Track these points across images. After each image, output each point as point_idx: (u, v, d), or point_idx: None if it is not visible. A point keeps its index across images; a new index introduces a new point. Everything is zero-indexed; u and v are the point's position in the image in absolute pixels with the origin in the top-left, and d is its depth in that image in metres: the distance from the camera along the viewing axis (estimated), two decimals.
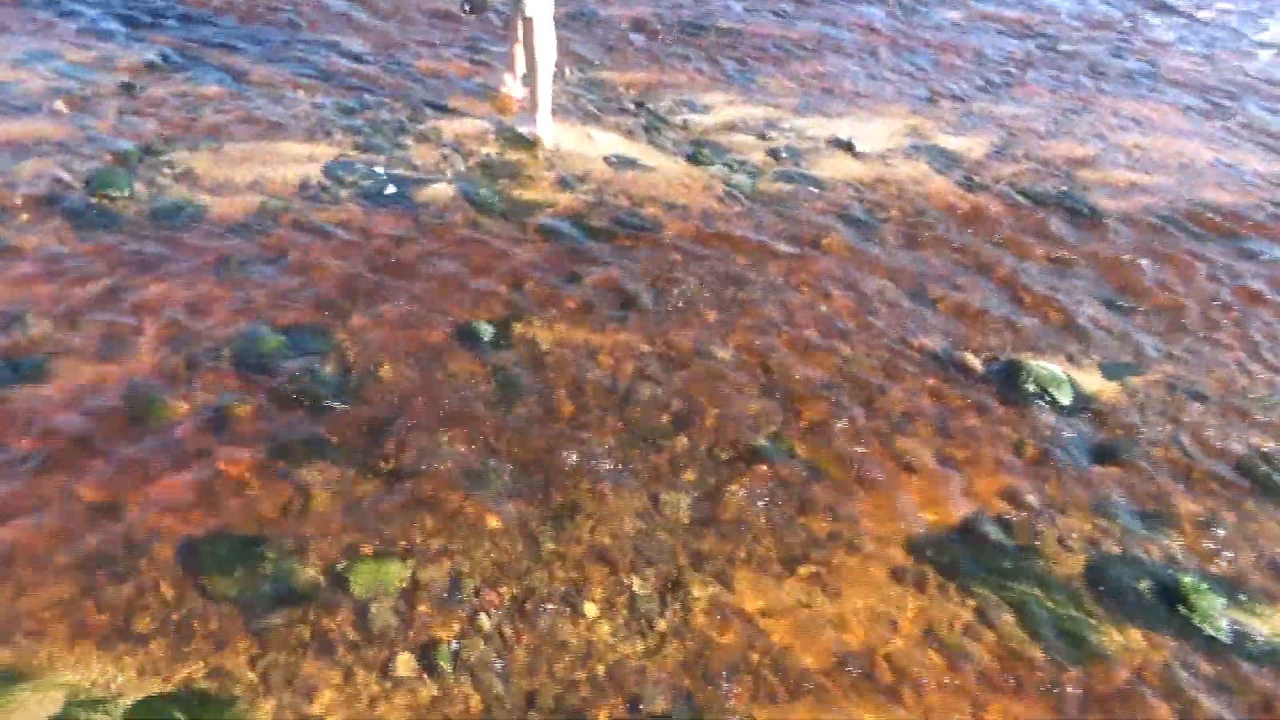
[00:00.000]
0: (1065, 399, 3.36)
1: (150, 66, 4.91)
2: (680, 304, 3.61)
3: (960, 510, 2.83)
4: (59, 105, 4.32)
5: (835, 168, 5.04)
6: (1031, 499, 2.90)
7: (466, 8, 4.59)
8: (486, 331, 3.27)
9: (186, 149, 4.15)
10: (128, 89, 4.63)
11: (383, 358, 3.10)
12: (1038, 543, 2.75)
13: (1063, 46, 7.87)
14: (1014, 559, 2.68)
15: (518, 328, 3.34)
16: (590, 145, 4.84)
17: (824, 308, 3.73)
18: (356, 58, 5.47)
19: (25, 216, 3.52)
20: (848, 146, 5.30)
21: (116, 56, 4.97)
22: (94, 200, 3.67)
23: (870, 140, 5.44)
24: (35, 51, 4.86)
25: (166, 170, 3.95)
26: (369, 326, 3.22)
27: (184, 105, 4.56)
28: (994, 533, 2.76)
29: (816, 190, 4.75)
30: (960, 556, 2.66)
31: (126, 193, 3.74)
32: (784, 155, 5.07)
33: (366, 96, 4.96)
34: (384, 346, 3.15)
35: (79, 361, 2.91)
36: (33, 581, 2.23)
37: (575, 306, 3.51)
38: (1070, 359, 3.62)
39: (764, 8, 7.81)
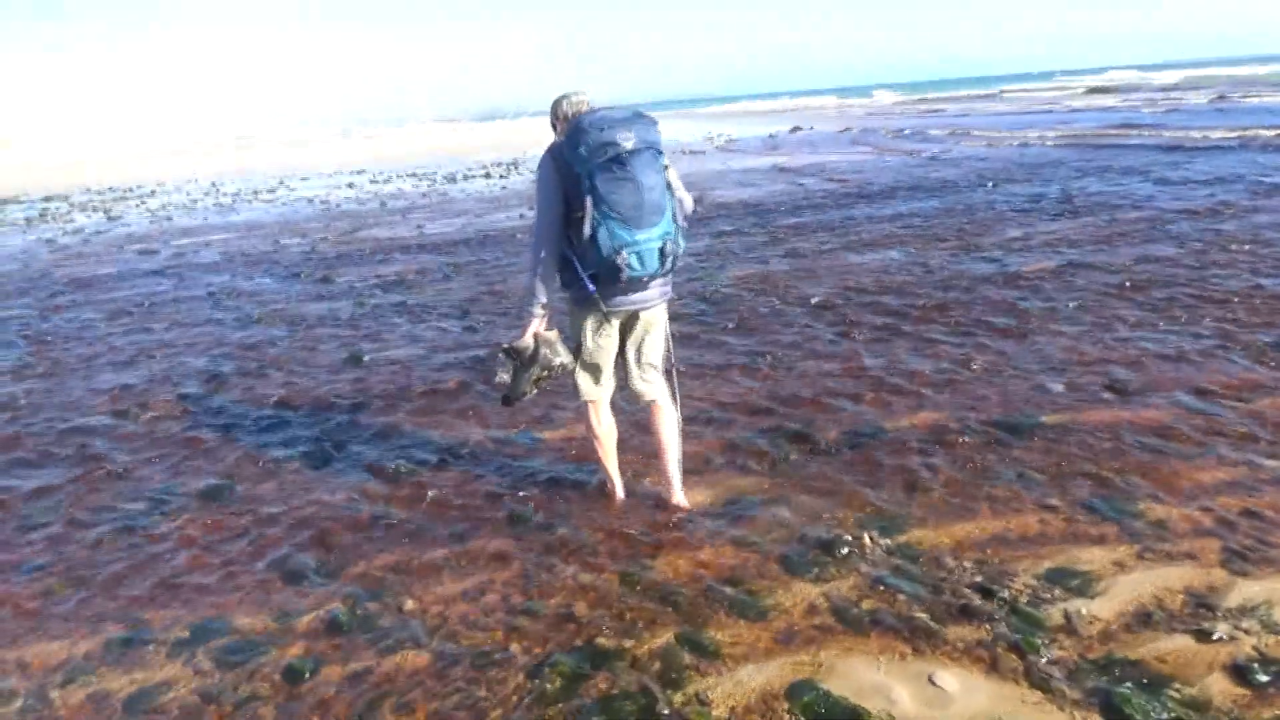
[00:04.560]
0: None
1: (331, 627, 3.76)
2: None
3: None
4: None
5: None
6: None
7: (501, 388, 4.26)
8: None
9: None
10: (294, 679, 3.44)
11: None
12: None
13: None
14: None
15: None
16: (939, 703, 3.09)
17: None
18: (583, 558, 4.15)
19: None
20: None
21: (295, 613, 3.88)
22: None
23: None
24: (201, 623, 3.86)
25: None
26: None
27: (356, 700, 3.29)
28: None
29: None
30: None
31: None
32: (1271, 688, 3.08)
33: (598, 640, 3.53)
34: None
35: None
36: None
37: None
38: None
39: (1089, 383, 6.09)
